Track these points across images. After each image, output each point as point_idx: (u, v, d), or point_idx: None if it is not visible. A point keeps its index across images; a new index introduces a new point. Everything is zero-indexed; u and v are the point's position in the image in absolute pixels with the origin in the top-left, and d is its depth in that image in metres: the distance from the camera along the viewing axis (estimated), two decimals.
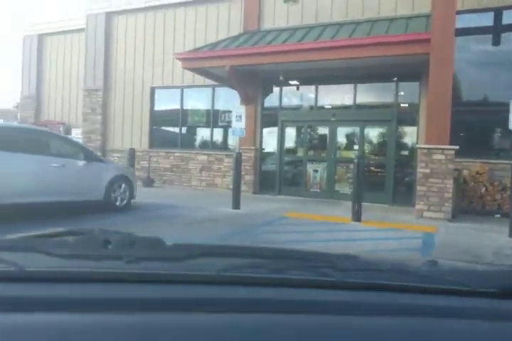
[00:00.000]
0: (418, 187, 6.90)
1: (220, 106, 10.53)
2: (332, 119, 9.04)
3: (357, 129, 8.98)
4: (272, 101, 9.86)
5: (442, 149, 6.71)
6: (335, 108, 9.31)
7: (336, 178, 9.06)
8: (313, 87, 9.41)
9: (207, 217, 6.16)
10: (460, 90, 8.30)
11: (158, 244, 0.86)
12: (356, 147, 8.98)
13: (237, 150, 7.51)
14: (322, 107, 9.45)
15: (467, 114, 8.05)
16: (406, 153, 8.69)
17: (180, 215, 6.21)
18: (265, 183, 9.72)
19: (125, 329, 0.60)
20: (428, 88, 7.09)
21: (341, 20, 8.93)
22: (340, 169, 9.03)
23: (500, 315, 0.69)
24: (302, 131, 9.62)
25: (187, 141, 11.08)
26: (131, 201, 6.88)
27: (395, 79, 8.52)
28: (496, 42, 8.30)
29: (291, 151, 9.74)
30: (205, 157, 10.48)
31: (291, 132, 9.79)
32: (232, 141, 10.02)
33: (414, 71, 7.99)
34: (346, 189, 8.65)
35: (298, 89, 9.64)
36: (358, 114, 8.89)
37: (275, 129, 9.71)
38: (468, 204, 7.50)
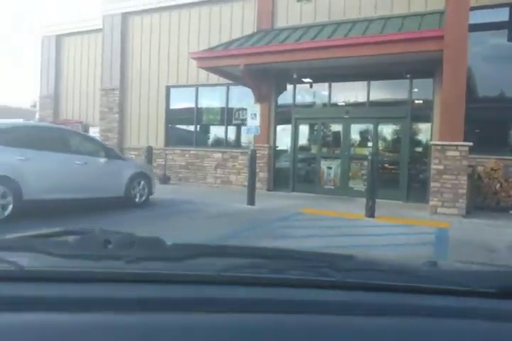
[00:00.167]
0: (432, 184, 6.95)
1: (234, 104, 10.69)
2: (346, 116, 9.10)
3: (371, 126, 9.03)
4: (285, 98, 9.96)
5: (456, 146, 6.74)
6: (348, 105, 9.37)
7: (349, 175, 9.13)
8: (326, 85, 9.48)
9: (224, 213, 6.33)
10: (475, 86, 8.29)
11: (158, 243, 0.86)
12: (370, 144, 9.02)
13: (251, 148, 7.65)
14: (336, 104, 9.52)
15: (482, 110, 8.04)
16: (420, 149, 8.71)
17: (197, 210, 6.40)
18: (279, 180, 9.84)
19: (125, 329, 0.60)
20: (442, 85, 7.12)
21: (354, 17, 8.98)
22: (354, 166, 9.10)
23: (500, 315, 0.69)
24: (316, 128, 9.70)
25: (202, 139, 11.28)
26: (150, 197, 7.09)
27: (409, 76, 8.55)
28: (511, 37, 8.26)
29: (305, 148, 9.83)
30: (220, 154, 10.65)
31: (304, 129, 9.89)
32: (246, 139, 10.18)
33: (427, 67, 8.01)
34: (360, 186, 8.72)
35: (311, 86, 9.73)
36: (372, 111, 8.94)
37: (289, 127, 9.81)
38: (483, 201, 7.51)
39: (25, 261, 0.77)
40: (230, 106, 10.74)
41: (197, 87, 11.10)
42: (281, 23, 9.84)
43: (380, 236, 5.04)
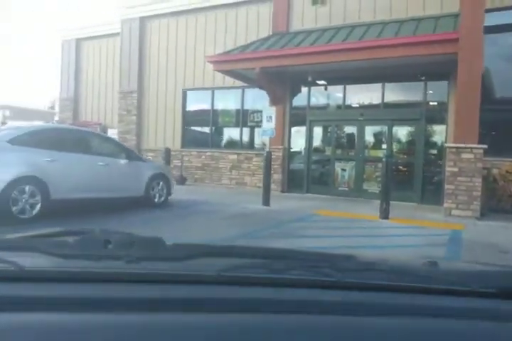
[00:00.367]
0: (446, 186, 6.99)
1: (249, 106, 10.86)
2: (360, 118, 9.18)
3: (385, 128, 9.08)
4: (300, 101, 10.07)
5: (471, 148, 6.77)
6: (363, 107, 9.44)
7: (364, 177, 9.19)
8: (341, 87, 9.56)
9: (240, 213, 6.49)
10: (490, 88, 8.27)
11: (158, 243, 0.86)
12: (384, 146, 9.07)
13: (267, 150, 7.79)
14: (350, 106, 9.60)
15: (497, 112, 8.03)
16: (435, 151, 8.72)
17: (214, 211, 6.57)
18: (293, 182, 9.95)
19: (125, 329, 0.60)
20: (456, 87, 7.15)
21: (369, 20, 9.04)
22: (369, 168, 9.16)
23: (500, 316, 0.69)
24: (330, 130, 9.79)
25: (217, 141, 11.48)
26: (168, 198, 7.29)
27: (423, 78, 8.58)
28: None
29: (319, 150, 9.93)
30: (235, 156, 10.82)
31: (319, 131, 9.98)
32: (260, 141, 10.34)
33: (442, 69, 8.03)
34: (374, 188, 8.78)
35: (326, 89, 9.82)
36: (386, 113, 8.99)
37: (303, 128, 9.91)
38: (498, 203, 7.51)
39: (25, 261, 0.76)
40: (245, 108, 10.92)
41: (213, 89, 11.31)
42: (296, 26, 9.96)
43: (394, 237, 5.13)
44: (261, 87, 9.71)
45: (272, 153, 8.55)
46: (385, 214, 6.40)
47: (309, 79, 9.31)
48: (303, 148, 9.93)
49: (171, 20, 12.07)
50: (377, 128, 9.32)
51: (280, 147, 9.87)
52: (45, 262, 0.80)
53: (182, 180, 10.90)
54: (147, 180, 6.73)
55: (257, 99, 10.39)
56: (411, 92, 9.01)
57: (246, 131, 11.02)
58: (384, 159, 6.64)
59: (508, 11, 8.16)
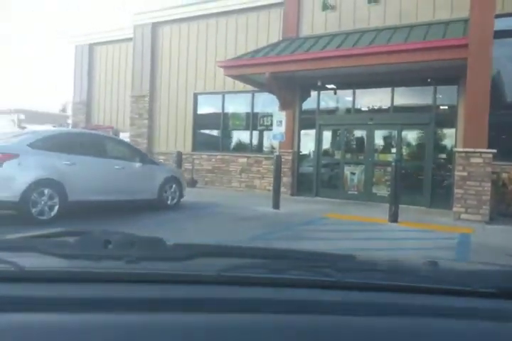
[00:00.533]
0: (456, 190, 7.03)
1: (258, 110, 11.01)
2: (369, 123, 9.25)
3: (394, 132, 9.13)
4: (309, 105, 10.17)
5: (480, 153, 6.81)
6: (372, 111, 9.51)
7: (373, 181, 9.24)
8: (350, 91, 9.65)
9: (251, 216, 6.60)
10: (500, 92, 8.29)
11: (158, 244, 0.86)
12: (394, 150, 9.12)
13: (276, 153, 7.91)
14: (359, 111, 9.67)
15: (507, 116, 8.05)
16: (444, 155, 8.75)
17: (225, 213, 6.71)
18: (303, 185, 10.04)
19: (125, 329, 0.60)
20: (466, 92, 7.20)
21: (379, 26, 9.13)
22: (378, 172, 9.22)
23: (500, 315, 0.69)
24: (339, 134, 9.87)
25: (227, 144, 11.63)
26: (180, 200, 7.45)
27: (433, 82, 8.63)
28: None
29: (329, 154, 10.00)
30: (245, 159, 10.95)
31: (328, 135, 10.06)
32: (270, 144, 10.47)
33: (452, 74, 8.07)
34: (384, 191, 8.82)
35: (335, 93, 9.92)
36: (396, 117, 9.05)
37: (312, 132, 10.00)
38: (507, 208, 7.52)
39: (26, 261, 0.76)
40: (254, 112, 11.06)
41: (223, 93, 11.47)
42: (306, 31, 10.07)
43: (402, 241, 5.19)
44: (271, 92, 9.83)
45: (282, 157, 8.65)
46: (394, 218, 6.46)
47: (319, 83, 9.42)
48: (312, 151, 10.02)
49: (182, 25, 12.28)
50: (386, 133, 9.38)
51: (290, 150, 9.97)
52: (46, 262, 0.80)
53: (193, 183, 11.05)
54: (160, 182, 6.89)
55: (267, 103, 10.53)
56: (420, 97, 9.06)
57: (256, 134, 11.15)
58: (393, 163, 6.71)
59: None
